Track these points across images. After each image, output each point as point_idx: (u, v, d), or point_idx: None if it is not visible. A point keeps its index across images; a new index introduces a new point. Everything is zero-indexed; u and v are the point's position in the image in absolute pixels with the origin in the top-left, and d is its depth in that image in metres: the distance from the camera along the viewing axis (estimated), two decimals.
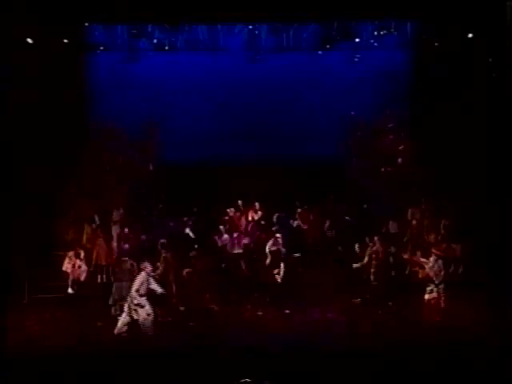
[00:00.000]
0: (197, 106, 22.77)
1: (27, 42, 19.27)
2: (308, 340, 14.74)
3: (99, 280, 18.55)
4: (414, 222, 19.26)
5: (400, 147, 21.55)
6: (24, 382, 12.98)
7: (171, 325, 15.83)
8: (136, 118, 21.94)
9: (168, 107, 22.52)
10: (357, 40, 22.52)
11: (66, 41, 20.92)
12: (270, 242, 17.89)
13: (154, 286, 15.13)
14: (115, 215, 19.81)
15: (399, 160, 21.35)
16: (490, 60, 18.86)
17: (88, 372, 13.07)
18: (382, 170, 21.37)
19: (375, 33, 22.43)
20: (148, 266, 15.16)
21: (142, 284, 14.90)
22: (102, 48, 22.73)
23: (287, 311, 16.65)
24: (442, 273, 16.10)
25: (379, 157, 21.50)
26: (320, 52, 22.91)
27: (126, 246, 18.02)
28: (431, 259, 16.20)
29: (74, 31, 21.40)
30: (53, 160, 19.92)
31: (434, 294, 15.92)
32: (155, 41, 22.83)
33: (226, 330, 15.41)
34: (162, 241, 17.65)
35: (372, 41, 22.59)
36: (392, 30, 22.29)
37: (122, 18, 21.25)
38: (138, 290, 14.83)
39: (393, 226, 19.61)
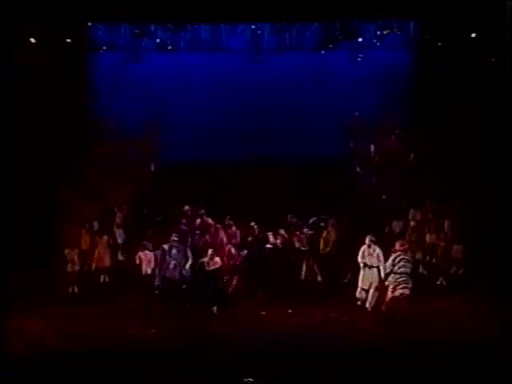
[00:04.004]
0: (199, 106, 22.77)
1: (29, 42, 19.31)
2: (309, 340, 14.70)
3: (101, 280, 18.63)
4: (414, 222, 19.22)
5: (402, 147, 21.52)
6: (24, 381, 12.98)
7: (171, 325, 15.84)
8: (138, 117, 21.95)
9: (170, 107, 22.53)
10: (359, 40, 22.51)
11: (68, 40, 20.98)
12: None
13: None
14: (118, 216, 19.87)
15: (401, 159, 21.31)
16: (493, 60, 18.82)
17: (88, 372, 13.05)
18: (384, 169, 21.32)
19: (378, 32, 22.43)
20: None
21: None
22: (104, 48, 22.81)
23: (290, 311, 16.62)
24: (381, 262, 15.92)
25: (381, 156, 21.48)
26: (322, 52, 22.94)
27: None
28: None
29: (76, 31, 21.44)
30: (54, 160, 19.95)
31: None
32: (158, 40, 22.87)
33: (227, 330, 15.37)
34: None
35: (375, 40, 22.61)
36: (394, 30, 22.28)
37: (124, 17, 21.23)
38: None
39: (396, 226, 19.59)
